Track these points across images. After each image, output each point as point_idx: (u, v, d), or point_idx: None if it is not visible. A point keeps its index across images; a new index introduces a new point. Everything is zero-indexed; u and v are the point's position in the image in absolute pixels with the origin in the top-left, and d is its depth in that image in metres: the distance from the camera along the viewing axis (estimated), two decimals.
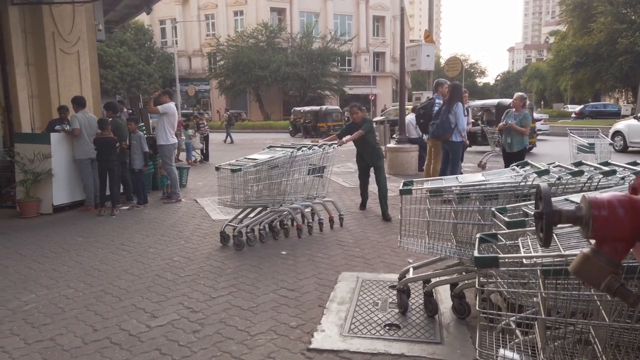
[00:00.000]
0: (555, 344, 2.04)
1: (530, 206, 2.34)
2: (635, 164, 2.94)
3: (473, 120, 12.51)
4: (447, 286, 3.56)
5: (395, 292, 3.60)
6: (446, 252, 3.35)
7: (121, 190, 7.60)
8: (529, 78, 58.30)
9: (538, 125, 16.36)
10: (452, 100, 7.06)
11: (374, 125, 7.58)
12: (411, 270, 3.65)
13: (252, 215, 5.53)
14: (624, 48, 31.21)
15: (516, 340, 2.22)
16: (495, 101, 14.74)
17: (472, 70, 67.94)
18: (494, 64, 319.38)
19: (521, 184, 3.04)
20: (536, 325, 2.07)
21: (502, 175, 3.38)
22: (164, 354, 2.97)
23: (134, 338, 3.18)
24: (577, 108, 35.98)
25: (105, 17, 10.86)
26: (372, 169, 6.68)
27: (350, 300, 3.67)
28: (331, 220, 5.96)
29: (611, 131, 14.60)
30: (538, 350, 2.00)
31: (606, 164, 3.04)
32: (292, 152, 5.53)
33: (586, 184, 2.86)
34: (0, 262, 4.93)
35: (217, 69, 39.11)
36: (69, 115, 7.60)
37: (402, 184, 3.40)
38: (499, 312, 2.23)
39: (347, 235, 5.66)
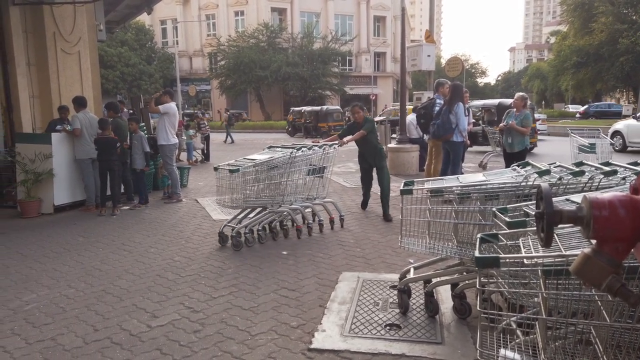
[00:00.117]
0: (556, 344, 2.04)
1: (531, 206, 2.34)
2: (636, 164, 2.94)
3: (474, 120, 12.50)
4: (448, 286, 3.56)
5: (396, 292, 3.60)
6: (447, 252, 3.35)
7: (122, 190, 7.61)
8: (530, 78, 58.23)
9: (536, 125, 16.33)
10: (453, 101, 7.06)
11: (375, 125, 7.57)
12: (412, 270, 3.65)
13: (251, 215, 5.52)
14: (625, 48, 31.24)
15: (517, 341, 2.22)
16: (496, 101, 14.72)
17: (473, 71, 67.93)
18: (494, 64, 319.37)
19: (522, 184, 3.03)
20: (537, 326, 2.07)
21: (503, 176, 3.38)
22: (164, 353, 2.97)
23: (135, 338, 3.18)
24: (582, 108, 35.96)
25: (106, 17, 10.88)
26: (374, 170, 6.59)
27: (351, 300, 3.67)
28: (331, 221, 5.94)
29: (610, 131, 14.63)
30: (539, 351, 2.00)
31: (607, 164, 3.04)
32: (292, 152, 5.51)
33: (587, 184, 2.86)
34: (2, 262, 4.94)
35: (217, 69, 39.15)
36: (69, 115, 7.62)
37: (402, 184, 3.40)
38: (500, 312, 2.23)
39: (348, 235, 5.65)
